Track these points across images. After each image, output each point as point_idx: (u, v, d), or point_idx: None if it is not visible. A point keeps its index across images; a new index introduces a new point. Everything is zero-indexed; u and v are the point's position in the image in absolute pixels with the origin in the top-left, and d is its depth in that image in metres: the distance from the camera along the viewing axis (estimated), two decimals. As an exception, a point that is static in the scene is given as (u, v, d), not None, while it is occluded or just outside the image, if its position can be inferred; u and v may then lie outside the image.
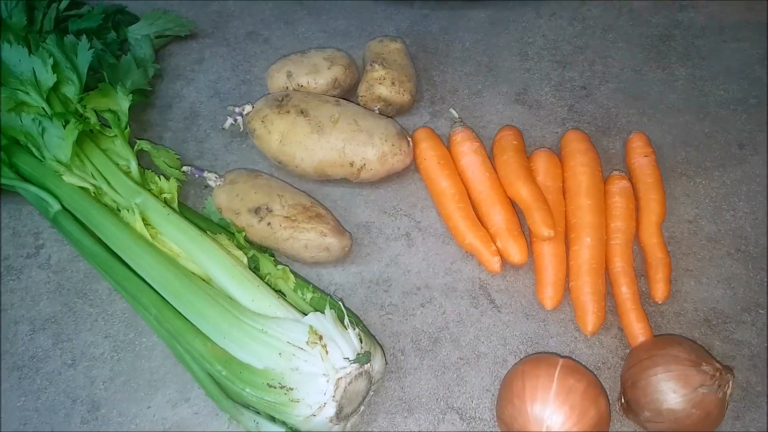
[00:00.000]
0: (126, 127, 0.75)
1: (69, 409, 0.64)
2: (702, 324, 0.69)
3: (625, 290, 0.68)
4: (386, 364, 0.65)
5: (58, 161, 0.70)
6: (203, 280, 0.64)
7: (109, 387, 0.66)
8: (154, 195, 0.69)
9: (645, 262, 0.71)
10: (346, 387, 0.57)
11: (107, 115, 0.75)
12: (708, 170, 0.80)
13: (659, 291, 0.69)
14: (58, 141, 0.70)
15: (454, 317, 0.69)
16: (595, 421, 0.56)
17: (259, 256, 0.68)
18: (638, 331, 0.66)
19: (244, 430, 0.60)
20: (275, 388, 0.56)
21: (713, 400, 0.57)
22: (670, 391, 0.57)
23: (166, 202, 0.69)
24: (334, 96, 0.80)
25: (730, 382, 0.58)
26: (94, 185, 0.70)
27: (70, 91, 0.75)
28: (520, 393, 0.57)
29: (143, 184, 0.71)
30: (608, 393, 0.63)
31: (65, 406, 0.65)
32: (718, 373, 0.57)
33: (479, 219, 0.74)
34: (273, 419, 0.58)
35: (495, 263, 0.71)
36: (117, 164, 0.72)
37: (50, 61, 0.74)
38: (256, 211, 0.70)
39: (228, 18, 0.97)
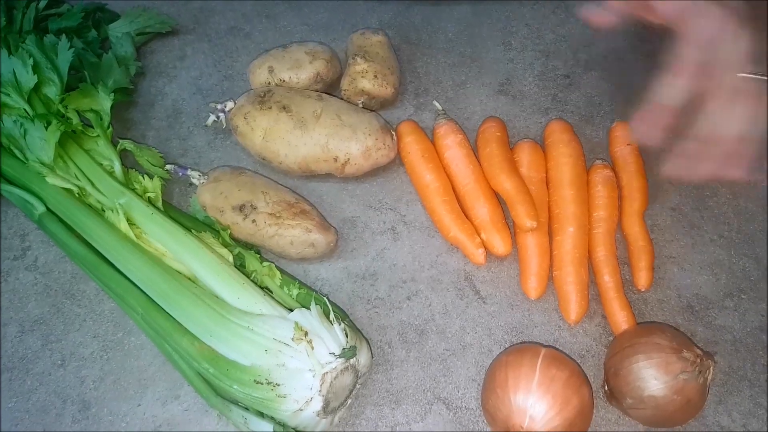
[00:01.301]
0: (108, 127, 0.75)
1: (60, 409, 0.65)
2: (685, 310, 0.70)
3: (608, 279, 0.69)
4: (373, 357, 0.66)
5: (41, 163, 0.70)
6: (189, 279, 0.64)
7: (99, 386, 0.66)
8: (138, 195, 0.69)
9: (628, 251, 0.72)
10: (332, 381, 0.58)
11: (89, 115, 0.75)
12: (690, 157, 0.81)
13: (642, 279, 0.70)
14: (41, 142, 0.70)
15: (440, 309, 0.70)
16: (578, 409, 0.57)
17: (244, 253, 0.68)
18: (621, 319, 0.66)
19: (234, 425, 0.61)
20: (262, 384, 0.57)
21: (694, 387, 0.58)
22: (652, 378, 0.58)
23: (150, 202, 0.70)
24: (316, 90, 0.80)
25: (711, 368, 0.59)
26: (78, 186, 0.70)
27: (52, 91, 0.75)
28: (503, 383, 0.58)
29: (127, 183, 0.71)
30: (592, 381, 0.65)
31: (56, 406, 0.65)
32: (698, 360, 0.58)
33: (464, 211, 0.74)
34: (261, 415, 0.58)
35: (479, 255, 0.71)
36: (100, 164, 0.72)
37: (30, 61, 0.73)
38: (241, 208, 0.70)
39: (209, 13, 0.96)
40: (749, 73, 0.56)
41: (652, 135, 0.57)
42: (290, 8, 0.97)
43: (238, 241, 0.71)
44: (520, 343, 0.68)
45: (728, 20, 0.57)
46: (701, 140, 0.56)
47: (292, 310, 0.61)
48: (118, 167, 0.72)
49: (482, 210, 0.72)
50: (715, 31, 0.57)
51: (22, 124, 0.71)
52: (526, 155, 0.76)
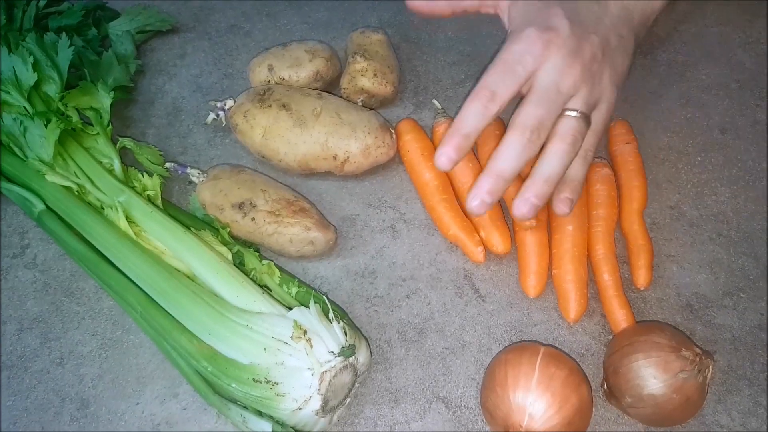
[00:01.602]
0: (108, 125, 0.75)
1: (58, 408, 0.65)
2: (684, 309, 0.70)
3: (607, 277, 0.68)
4: (372, 356, 0.66)
5: (41, 160, 0.70)
6: (188, 277, 0.64)
7: (98, 384, 0.66)
8: (138, 193, 0.69)
9: (627, 249, 0.72)
10: (330, 380, 0.57)
11: (89, 113, 0.75)
12: (690, 156, 0.81)
13: (641, 277, 0.70)
14: (40, 140, 0.70)
15: (439, 308, 0.70)
16: (577, 407, 0.57)
17: (243, 251, 0.68)
18: (620, 318, 0.66)
19: (232, 424, 0.61)
20: (261, 383, 0.57)
21: (693, 385, 0.58)
22: (651, 377, 0.58)
23: (149, 200, 0.69)
24: (316, 89, 0.80)
25: (710, 367, 0.59)
26: (77, 184, 0.70)
27: (51, 89, 0.75)
28: (502, 381, 0.58)
29: (126, 181, 0.71)
30: (591, 379, 0.64)
31: (54, 404, 0.65)
32: (697, 359, 0.58)
33: (463, 210, 0.74)
34: (260, 414, 0.58)
35: (479, 254, 0.71)
36: (100, 162, 0.72)
37: (30, 59, 0.73)
38: (240, 206, 0.70)
39: (209, 12, 0.97)
40: None
41: (446, 158, 0.56)
42: (290, 7, 0.97)
43: (237, 239, 0.71)
44: (520, 341, 0.68)
45: (540, 45, 0.55)
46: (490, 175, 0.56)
47: (291, 309, 0.61)
48: (117, 165, 0.72)
49: (481, 208, 0.72)
50: (521, 56, 0.56)
51: (21, 122, 0.71)
52: (525, 154, 0.76)
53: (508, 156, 0.55)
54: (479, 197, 0.56)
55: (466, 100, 0.56)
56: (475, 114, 0.56)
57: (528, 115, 0.55)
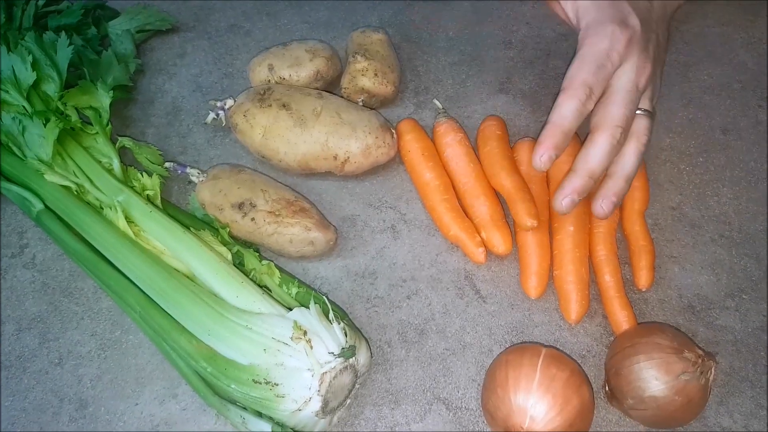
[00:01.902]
0: (107, 124, 0.75)
1: (57, 408, 0.65)
2: (686, 310, 0.69)
3: (608, 278, 0.68)
4: (372, 356, 0.65)
5: (40, 160, 0.70)
6: (187, 278, 0.64)
7: (97, 385, 0.66)
8: (137, 192, 0.69)
9: (629, 250, 0.72)
10: (331, 381, 0.57)
11: (88, 112, 0.75)
12: (692, 156, 0.80)
13: (643, 278, 0.69)
14: (39, 139, 0.70)
15: (439, 308, 0.70)
16: (578, 409, 0.57)
17: (243, 251, 0.68)
18: (622, 319, 0.66)
19: (232, 425, 0.61)
20: (260, 383, 0.57)
21: (695, 387, 0.57)
22: (653, 378, 0.57)
23: (148, 199, 0.69)
24: (316, 89, 0.80)
25: (713, 369, 0.58)
26: (76, 183, 0.70)
27: (51, 88, 0.75)
28: (503, 383, 0.58)
29: (126, 181, 0.71)
30: (593, 381, 0.64)
31: (53, 404, 0.65)
32: (699, 360, 0.58)
33: (464, 210, 0.74)
34: (260, 414, 0.58)
35: (479, 254, 0.71)
36: (99, 162, 0.71)
37: (30, 58, 0.73)
38: (240, 206, 0.70)
39: (209, 11, 0.96)
40: None
41: (547, 157, 0.57)
42: (290, 6, 0.97)
43: (237, 239, 0.71)
44: (521, 342, 0.67)
45: (623, 43, 0.56)
46: (581, 173, 0.56)
47: (291, 309, 0.61)
48: (116, 165, 0.71)
49: (482, 208, 0.72)
50: (610, 54, 0.56)
51: (20, 121, 0.70)
52: (526, 153, 0.76)
53: (598, 156, 0.56)
54: (570, 196, 0.57)
55: (560, 97, 0.56)
56: (573, 111, 0.56)
57: (617, 116, 0.55)
